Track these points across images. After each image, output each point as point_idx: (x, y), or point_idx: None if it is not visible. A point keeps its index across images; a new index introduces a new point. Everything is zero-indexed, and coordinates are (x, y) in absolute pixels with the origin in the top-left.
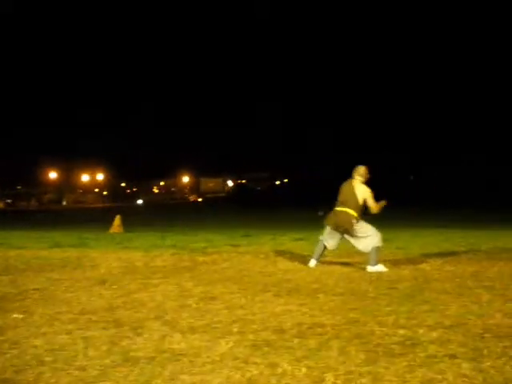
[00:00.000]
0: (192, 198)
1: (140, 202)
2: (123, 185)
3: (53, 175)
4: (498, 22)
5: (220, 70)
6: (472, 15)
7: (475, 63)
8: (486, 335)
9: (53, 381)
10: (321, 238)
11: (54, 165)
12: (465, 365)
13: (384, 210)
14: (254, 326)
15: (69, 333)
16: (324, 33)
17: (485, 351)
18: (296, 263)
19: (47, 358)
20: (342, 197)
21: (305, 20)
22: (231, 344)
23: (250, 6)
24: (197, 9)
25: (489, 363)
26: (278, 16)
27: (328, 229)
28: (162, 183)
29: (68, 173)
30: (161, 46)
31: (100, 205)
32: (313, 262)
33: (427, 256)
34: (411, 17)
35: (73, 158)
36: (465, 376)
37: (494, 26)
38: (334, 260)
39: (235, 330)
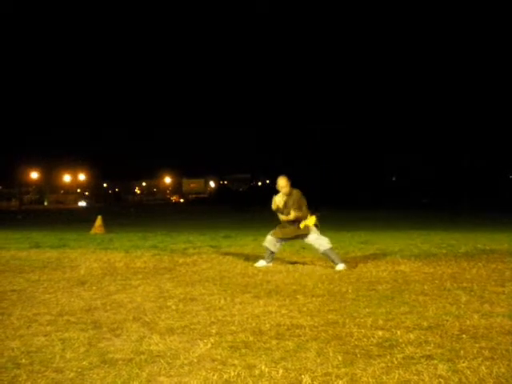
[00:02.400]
0: (174, 198)
1: (83, 204)
2: (105, 185)
3: (34, 175)
4: None
5: (209, 70)
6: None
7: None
8: (462, 336)
9: (28, 383)
10: (323, 250)
11: (35, 165)
12: (441, 366)
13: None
14: (233, 328)
15: (46, 334)
16: (326, 28)
17: (461, 352)
18: (276, 264)
19: (23, 361)
20: None
21: (306, 14)
22: (209, 345)
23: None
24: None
25: (464, 364)
26: (278, 10)
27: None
28: (143, 184)
29: (50, 173)
30: (148, 43)
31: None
32: (341, 266)
33: (407, 258)
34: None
35: (55, 158)
36: (441, 377)
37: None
38: (315, 261)
39: (214, 331)
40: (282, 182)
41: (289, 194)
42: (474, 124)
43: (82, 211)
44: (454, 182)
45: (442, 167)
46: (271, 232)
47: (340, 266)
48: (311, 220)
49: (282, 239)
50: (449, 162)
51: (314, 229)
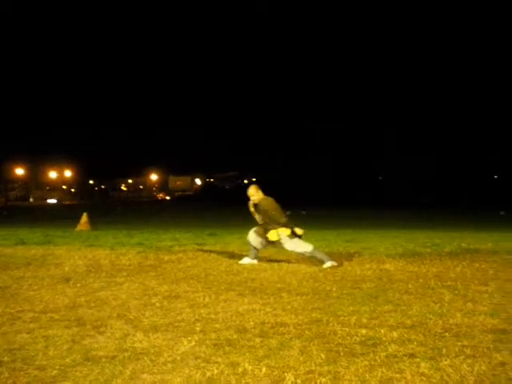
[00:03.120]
0: (160, 196)
1: (52, 201)
2: (91, 182)
3: (20, 171)
4: None
5: (207, 69)
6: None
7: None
8: (445, 334)
9: (10, 381)
10: (310, 250)
11: (21, 161)
12: (423, 364)
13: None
14: (217, 325)
15: (30, 332)
16: (326, 28)
17: (443, 350)
18: (261, 262)
19: (6, 358)
20: None
21: (306, 14)
22: (193, 343)
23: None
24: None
25: (447, 362)
26: (278, 10)
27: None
28: (129, 181)
29: (35, 169)
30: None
31: (67, 202)
32: (329, 263)
33: (392, 256)
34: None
35: (41, 154)
36: (423, 375)
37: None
38: (300, 260)
39: (198, 328)
40: (251, 191)
41: (258, 203)
42: (472, 124)
43: (68, 208)
44: (453, 181)
45: (442, 167)
46: (255, 229)
47: (328, 264)
48: (281, 232)
49: (269, 243)
50: (448, 162)
51: (286, 238)
